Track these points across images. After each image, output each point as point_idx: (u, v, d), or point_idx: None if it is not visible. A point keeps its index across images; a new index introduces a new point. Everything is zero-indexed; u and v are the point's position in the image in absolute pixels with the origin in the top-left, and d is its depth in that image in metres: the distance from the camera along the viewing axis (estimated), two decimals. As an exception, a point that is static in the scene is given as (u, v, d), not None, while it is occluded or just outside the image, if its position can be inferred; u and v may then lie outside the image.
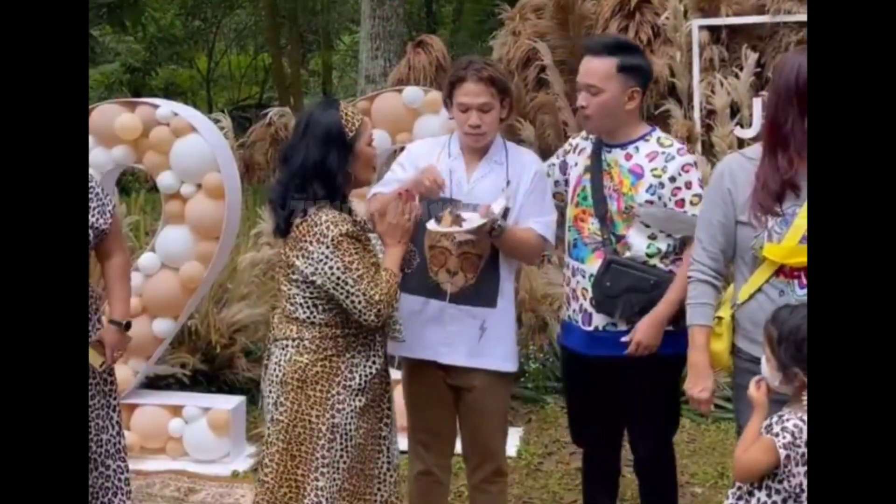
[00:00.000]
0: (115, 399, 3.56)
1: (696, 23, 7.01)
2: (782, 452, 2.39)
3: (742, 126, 6.50)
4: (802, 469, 2.38)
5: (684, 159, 3.19)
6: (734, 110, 6.57)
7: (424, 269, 3.24)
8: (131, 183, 11.74)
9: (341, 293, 2.89)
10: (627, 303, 3.17)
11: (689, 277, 2.92)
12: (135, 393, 4.87)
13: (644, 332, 3.16)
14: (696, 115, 6.82)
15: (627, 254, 3.20)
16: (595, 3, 7.84)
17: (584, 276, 3.28)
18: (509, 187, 3.23)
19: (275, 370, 3.00)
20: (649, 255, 3.20)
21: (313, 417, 2.95)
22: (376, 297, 2.89)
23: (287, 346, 2.99)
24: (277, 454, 2.98)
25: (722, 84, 6.53)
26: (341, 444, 2.96)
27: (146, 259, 4.77)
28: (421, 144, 3.52)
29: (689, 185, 3.16)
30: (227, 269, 5.66)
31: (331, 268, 2.87)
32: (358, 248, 2.92)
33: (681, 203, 3.16)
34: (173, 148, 4.68)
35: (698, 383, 2.87)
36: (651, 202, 3.16)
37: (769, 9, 6.93)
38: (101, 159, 4.71)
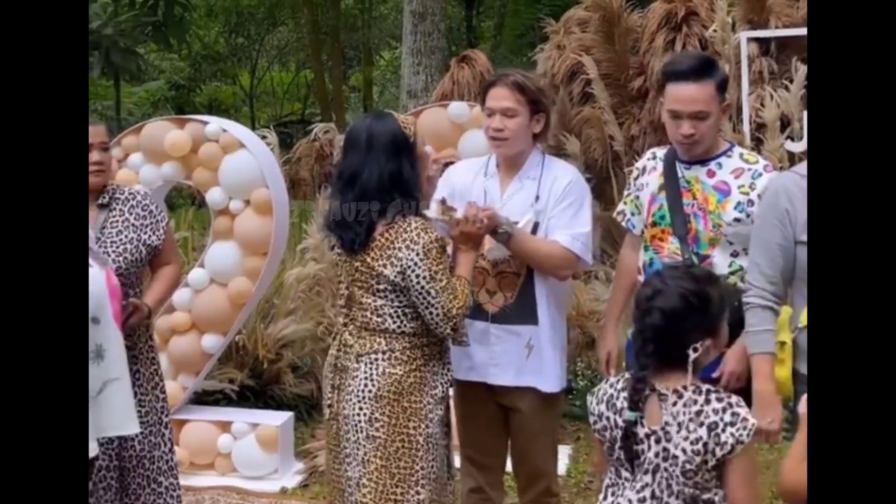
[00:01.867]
0: (166, 416, 3.57)
1: (745, 35, 6.93)
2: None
3: (792, 139, 6.39)
4: None
5: (772, 176, 3.06)
6: (784, 123, 6.47)
7: None
8: (176, 199, 11.85)
9: (422, 303, 2.88)
10: None
11: (747, 304, 2.83)
12: (184, 409, 4.89)
13: (736, 362, 3.00)
14: (746, 128, 6.73)
15: None
16: (641, 16, 7.80)
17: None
18: (538, 202, 3.19)
19: (365, 385, 2.93)
20: (731, 274, 3.09)
21: (411, 429, 2.93)
22: (454, 311, 2.89)
23: (377, 359, 2.94)
24: (376, 472, 2.92)
25: (772, 97, 6.44)
26: (432, 454, 2.96)
27: (195, 275, 4.79)
28: (461, 165, 3.51)
29: None
30: (273, 284, 5.67)
31: (417, 276, 2.85)
32: (444, 258, 2.91)
33: None
34: (222, 164, 4.70)
35: (767, 414, 2.76)
36: (739, 220, 3.06)
37: (819, 20, 6.83)
38: (151, 176, 4.75)
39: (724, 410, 2.31)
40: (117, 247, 3.40)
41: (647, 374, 2.34)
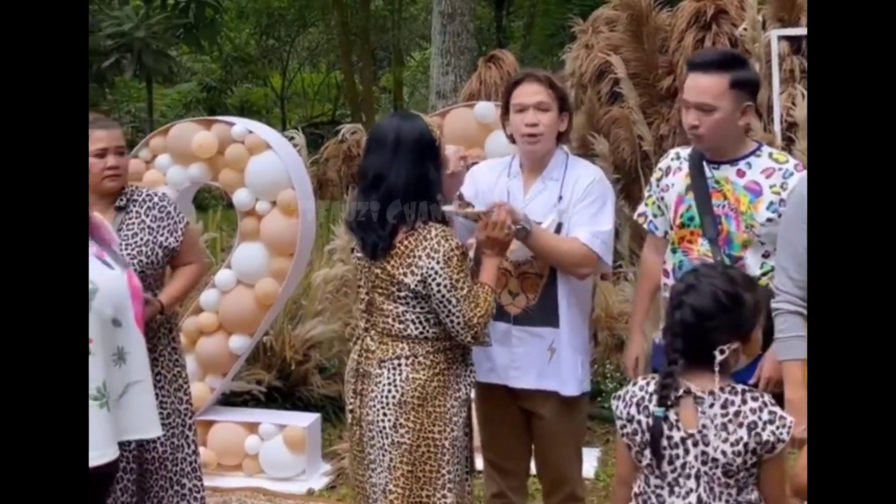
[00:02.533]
0: (190, 418, 3.58)
1: (776, 33, 6.84)
2: None
3: (824, 138, 6.31)
4: None
5: (803, 175, 2.96)
6: (816, 122, 6.38)
7: None
8: (208, 200, 11.92)
9: (443, 311, 2.87)
10: None
11: (776, 309, 2.79)
12: (211, 410, 4.91)
13: (772, 367, 2.95)
14: (777, 127, 6.64)
15: None
16: (670, 15, 7.72)
17: None
18: (561, 202, 3.17)
19: (388, 391, 2.91)
20: (763, 275, 3.04)
21: (436, 433, 2.91)
22: (474, 320, 2.86)
23: (400, 364, 2.91)
24: (403, 478, 2.89)
25: (803, 96, 6.36)
26: (457, 458, 2.95)
27: (222, 276, 4.81)
28: (484, 165, 3.48)
29: None
30: (301, 285, 5.68)
31: (438, 284, 2.83)
32: (465, 265, 2.89)
33: None
34: (248, 165, 4.71)
35: (801, 422, 2.70)
36: (772, 220, 3.01)
37: (851, 17, 6.74)
38: (178, 177, 4.77)
39: (760, 409, 2.30)
40: (132, 249, 3.39)
41: (676, 370, 2.32)
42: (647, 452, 2.34)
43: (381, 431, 2.92)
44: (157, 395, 3.34)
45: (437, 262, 2.82)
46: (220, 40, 18.99)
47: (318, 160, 10.76)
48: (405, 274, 2.86)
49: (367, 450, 2.99)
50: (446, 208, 2.98)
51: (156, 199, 3.52)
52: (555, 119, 3.15)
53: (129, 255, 3.36)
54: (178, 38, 15.16)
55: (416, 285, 2.85)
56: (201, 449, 4.72)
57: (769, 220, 3.03)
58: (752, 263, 3.06)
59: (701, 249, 3.13)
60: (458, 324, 2.86)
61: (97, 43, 12.28)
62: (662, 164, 3.34)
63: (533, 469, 3.45)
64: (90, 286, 2.73)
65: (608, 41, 7.75)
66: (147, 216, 3.46)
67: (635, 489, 2.42)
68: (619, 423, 2.41)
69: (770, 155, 3.11)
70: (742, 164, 3.09)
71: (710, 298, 2.32)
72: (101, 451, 2.71)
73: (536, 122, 3.12)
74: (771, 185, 3.05)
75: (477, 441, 3.45)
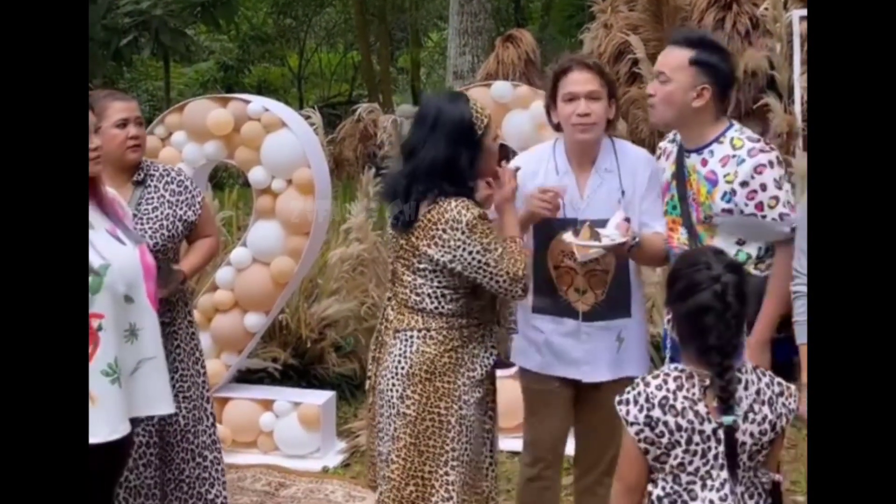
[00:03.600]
0: (207, 391, 3.61)
1: (797, 13, 6.75)
2: None
3: (845, 119, 6.25)
4: None
5: (756, 160, 2.92)
6: (837, 103, 6.31)
7: (553, 289, 3.17)
8: (225, 179, 11.93)
9: (485, 276, 2.86)
10: None
11: (795, 292, 2.77)
12: (227, 387, 4.92)
13: (751, 356, 2.87)
14: (797, 108, 6.57)
15: None
16: (690, -6, 7.66)
17: None
18: (625, 197, 3.12)
19: (399, 362, 2.94)
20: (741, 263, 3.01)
21: (442, 409, 2.91)
22: (519, 273, 2.86)
23: (412, 336, 2.93)
24: (405, 449, 2.92)
25: (824, 76, 6.28)
26: (466, 437, 2.94)
27: (238, 254, 4.81)
28: (523, 163, 3.28)
29: (763, 188, 2.91)
30: (317, 264, 5.68)
31: (470, 252, 2.83)
32: (491, 228, 2.88)
33: (759, 206, 2.93)
34: (264, 143, 4.70)
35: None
36: (728, 210, 2.96)
37: (874, -3, 6.65)
38: (194, 154, 4.76)
39: (770, 384, 2.29)
40: (154, 223, 3.41)
41: (734, 375, 2.23)
42: (678, 452, 2.24)
43: (389, 401, 2.95)
44: (176, 368, 3.39)
45: (462, 233, 2.82)
46: (238, 19, 18.98)
47: (334, 139, 10.75)
48: (428, 245, 2.86)
49: (378, 418, 3.02)
50: (566, 237, 2.99)
51: (173, 174, 3.54)
52: (606, 107, 3.10)
53: (150, 229, 3.38)
54: (195, 17, 15.12)
55: (442, 256, 2.85)
56: (217, 426, 4.75)
57: (725, 210, 2.97)
58: (726, 249, 3.01)
59: (681, 238, 3.12)
60: (505, 281, 2.85)
61: (115, 21, 12.28)
62: (661, 144, 3.32)
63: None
64: (102, 261, 2.72)
65: (627, 21, 7.71)
66: (166, 190, 3.48)
67: (657, 492, 2.30)
68: (633, 428, 2.28)
69: (731, 141, 3.01)
70: (706, 153, 3.04)
71: (744, 285, 2.28)
72: (112, 427, 2.72)
73: (589, 112, 3.07)
74: (725, 173, 2.97)
75: (503, 423, 3.44)
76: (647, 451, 2.28)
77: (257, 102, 4.78)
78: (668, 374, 2.31)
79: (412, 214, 2.89)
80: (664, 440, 2.25)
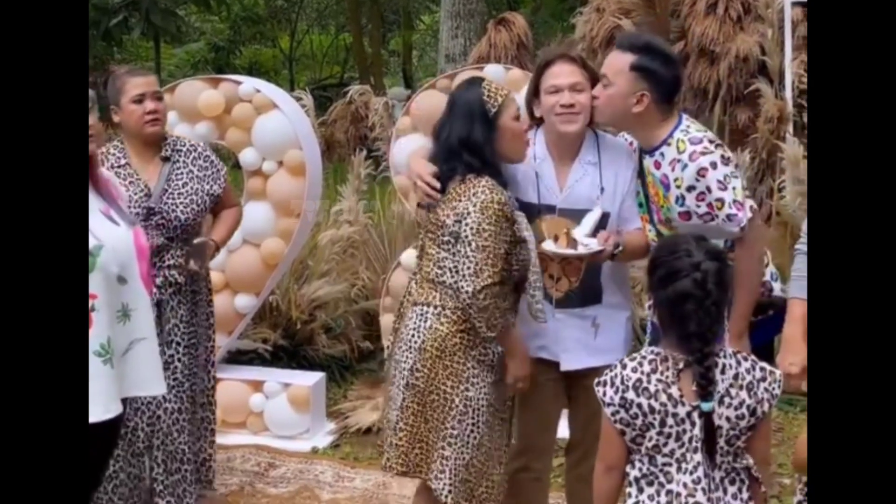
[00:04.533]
0: (213, 354, 3.87)
1: (789, -1, 6.78)
2: None
3: (836, 105, 6.26)
4: None
5: (697, 164, 2.92)
6: (828, 89, 6.32)
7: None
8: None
9: (462, 251, 2.89)
10: None
11: (797, 249, 2.86)
12: (217, 367, 4.91)
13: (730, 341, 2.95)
14: (788, 94, 6.59)
15: None
16: (683, -21, 7.64)
17: None
18: (604, 194, 3.13)
19: (413, 335, 3.01)
20: None
21: (448, 388, 2.97)
22: (485, 274, 2.87)
23: (427, 312, 3.00)
24: (412, 417, 3.01)
25: (816, 62, 6.29)
26: (473, 418, 2.98)
27: (229, 235, 4.80)
28: None
29: (709, 190, 2.92)
30: (307, 246, 5.68)
31: (468, 224, 2.88)
32: (500, 223, 2.90)
33: (710, 207, 2.94)
34: (255, 125, 4.69)
35: (787, 356, 2.76)
36: (685, 213, 2.98)
37: (867, -17, 6.65)
38: (185, 135, 4.74)
39: (752, 368, 2.29)
40: (184, 198, 3.58)
41: (714, 361, 2.24)
42: (652, 434, 2.27)
43: (401, 371, 3.03)
44: (195, 332, 3.68)
45: (474, 206, 2.88)
46: (229, 0, 18.87)
47: (325, 121, 10.72)
48: (448, 216, 2.95)
49: (391, 387, 3.10)
50: (546, 245, 3.00)
51: (199, 150, 3.70)
52: (589, 99, 3.11)
53: (181, 204, 3.56)
54: (186, -3, 15.08)
55: (453, 224, 2.92)
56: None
57: (682, 213, 2.99)
58: None
59: (650, 235, 3.14)
60: (469, 269, 2.87)
61: (105, 1, 12.21)
62: (628, 136, 3.32)
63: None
64: (95, 242, 2.73)
65: (619, 5, 7.69)
66: (194, 166, 3.64)
67: (635, 473, 2.34)
68: (609, 409, 2.32)
69: (677, 143, 3.00)
70: (657, 155, 3.05)
71: (726, 271, 2.29)
72: (104, 407, 2.73)
73: (573, 103, 3.08)
74: (675, 178, 2.98)
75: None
76: (623, 433, 2.32)
77: (249, 84, 4.78)
78: (644, 357, 2.33)
79: (441, 190, 3.00)
80: (638, 422, 2.28)
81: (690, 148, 2.96)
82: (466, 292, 2.89)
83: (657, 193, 3.06)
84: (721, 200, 2.91)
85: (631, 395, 2.28)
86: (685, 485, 2.27)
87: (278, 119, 4.67)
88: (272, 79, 18.46)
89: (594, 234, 3.06)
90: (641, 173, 3.14)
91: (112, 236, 2.80)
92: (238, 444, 4.69)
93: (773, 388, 2.29)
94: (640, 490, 2.33)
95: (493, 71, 4.99)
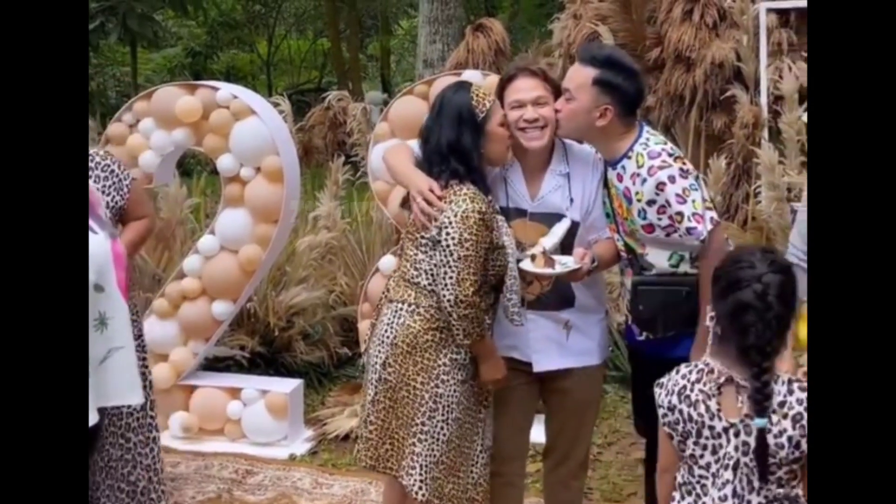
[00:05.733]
0: (150, 374, 3.69)
1: (764, 5, 6.84)
2: None
3: (810, 112, 6.31)
4: None
5: (656, 179, 2.92)
6: (803, 96, 6.38)
7: None
8: (193, 166, 11.85)
9: (443, 261, 2.91)
10: (667, 319, 3.05)
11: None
12: (194, 374, 4.90)
13: (696, 354, 2.93)
14: (763, 100, 6.65)
15: (654, 270, 3.07)
16: (659, -15, 7.68)
17: (626, 291, 3.20)
18: (573, 205, 3.14)
19: (386, 331, 3.06)
20: (674, 266, 3.04)
21: (418, 384, 3.00)
22: (467, 284, 2.88)
23: (401, 309, 3.04)
24: (383, 412, 3.05)
25: (790, 69, 6.34)
26: (443, 415, 3.00)
27: (206, 241, 4.79)
28: None
29: (668, 204, 2.92)
30: (285, 252, 5.67)
31: (449, 234, 2.90)
32: (480, 232, 2.90)
33: (672, 219, 2.94)
34: (233, 131, 4.68)
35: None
36: (649, 226, 2.99)
37: (840, -9, 6.72)
38: (162, 142, 4.73)
39: (804, 400, 2.18)
40: None
41: (770, 376, 2.18)
42: (690, 443, 2.27)
43: (373, 366, 3.08)
44: None
45: (455, 215, 2.90)
46: (206, 5, 18.80)
47: (303, 127, 10.70)
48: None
49: (365, 382, 3.14)
50: (523, 265, 3.00)
51: (97, 159, 3.53)
52: (553, 112, 3.12)
53: None
54: (163, 2, 15.00)
55: (434, 232, 2.95)
56: (184, 414, 4.76)
57: (645, 226, 3.00)
58: (657, 259, 3.05)
59: (619, 244, 3.15)
60: (451, 280, 2.88)
61: (81, 5, 12.12)
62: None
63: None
64: None
65: (597, 11, 7.71)
66: (90, 176, 3.47)
67: (679, 479, 2.34)
68: (660, 411, 2.33)
69: (637, 157, 3.00)
70: (619, 168, 3.06)
71: (790, 285, 2.23)
72: None
73: (537, 118, 3.09)
74: (636, 192, 2.99)
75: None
76: (671, 436, 2.33)
77: (226, 90, 4.76)
78: (695, 366, 2.32)
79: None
80: (679, 428, 2.29)
81: (649, 162, 2.95)
82: (448, 300, 2.91)
83: (621, 206, 3.07)
84: (681, 214, 2.92)
85: (675, 400, 2.30)
86: (714, 500, 2.25)
87: (256, 125, 4.66)
88: (250, 84, 18.45)
89: (564, 242, 3.08)
90: (606, 184, 3.15)
91: (90, 244, 2.79)
92: (215, 451, 4.67)
93: None
94: (682, 497, 2.33)
95: (471, 76, 4.99)
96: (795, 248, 2.94)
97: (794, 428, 2.17)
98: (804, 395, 2.18)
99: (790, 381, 2.22)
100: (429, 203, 2.96)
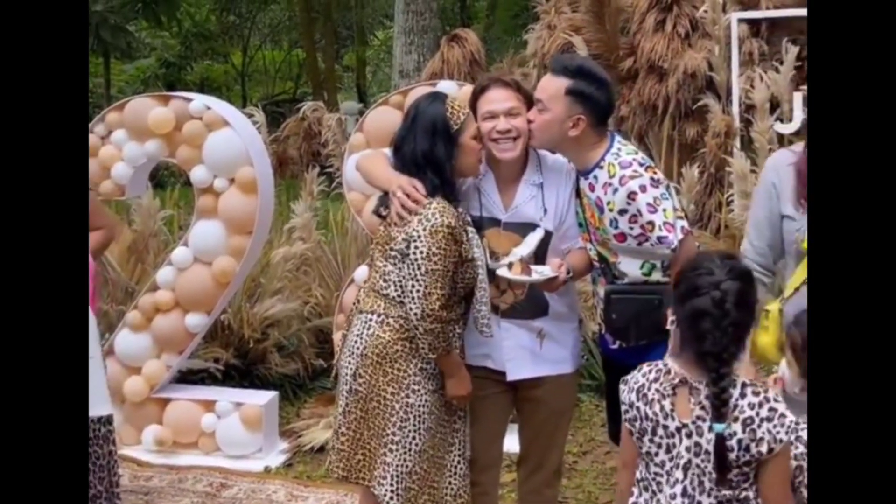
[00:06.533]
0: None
1: (735, 16, 6.91)
2: (793, 463, 2.27)
3: (782, 121, 6.39)
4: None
5: (627, 188, 2.93)
6: (774, 105, 6.45)
7: None
8: (166, 178, 11.80)
9: (411, 275, 2.91)
10: (639, 328, 3.05)
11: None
12: (168, 387, 4.87)
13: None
14: (735, 109, 6.71)
15: (627, 278, 3.08)
16: (632, -4, 7.75)
17: (599, 300, 3.22)
18: (546, 215, 3.15)
19: (356, 342, 3.05)
20: (646, 274, 3.05)
21: (388, 394, 3.00)
22: (434, 297, 2.88)
23: (370, 320, 3.04)
24: (355, 422, 3.05)
25: (762, 78, 6.41)
26: (414, 425, 3.00)
27: (179, 253, 4.76)
28: None
29: (640, 213, 2.93)
30: (259, 263, 5.65)
31: (417, 248, 2.89)
32: (449, 246, 2.90)
33: (643, 228, 2.96)
34: (206, 142, 4.66)
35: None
36: (621, 235, 3.00)
37: (810, 1, 6.79)
38: (134, 153, 4.70)
39: (760, 405, 2.21)
40: None
41: (729, 381, 2.21)
42: (646, 440, 2.31)
43: (344, 377, 3.08)
44: None
45: (425, 229, 2.89)
46: (180, 15, 18.78)
47: (278, 138, 10.69)
48: (399, 232, 2.96)
49: (338, 393, 3.14)
50: (500, 272, 3.01)
51: None
52: (525, 123, 3.12)
53: None
54: (136, 13, 14.96)
55: (402, 244, 2.94)
56: (157, 427, 4.72)
57: (617, 235, 3.01)
58: (630, 268, 3.06)
59: (591, 254, 3.16)
60: (419, 293, 2.88)
61: (53, 16, 12.07)
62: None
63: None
64: None
65: (571, 22, 7.78)
66: None
67: (638, 475, 2.38)
68: (623, 407, 2.38)
69: (609, 166, 3.01)
70: (591, 178, 3.06)
71: (749, 292, 2.26)
72: None
73: (510, 128, 3.09)
74: (608, 201, 3.00)
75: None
76: (631, 432, 2.37)
77: (199, 101, 4.74)
78: (654, 365, 2.37)
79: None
80: (637, 425, 2.34)
81: (620, 172, 2.96)
82: (415, 314, 2.91)
83: (593, 215, 3.08)
84: (652, 223, 2.93)
85: (634, 397, 2.35)
86: (667, 497, 2.28)
87: (229, 136, 4.64)
88: (224, 95, 18.39)
89: (537, 252, 3.09)
90: (579, 194, 3.16)
91: None
92: (189, 464, 4.63)
93: (778, 432, 2.19)
94: (640, 493, 2.38)
95: (446, 87, 5.00)
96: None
97: (743, 431, 2.20)
98: (756, 400, 2.22)
99: (743, 385, 2.24)
100: (413, 200, 2.95)
